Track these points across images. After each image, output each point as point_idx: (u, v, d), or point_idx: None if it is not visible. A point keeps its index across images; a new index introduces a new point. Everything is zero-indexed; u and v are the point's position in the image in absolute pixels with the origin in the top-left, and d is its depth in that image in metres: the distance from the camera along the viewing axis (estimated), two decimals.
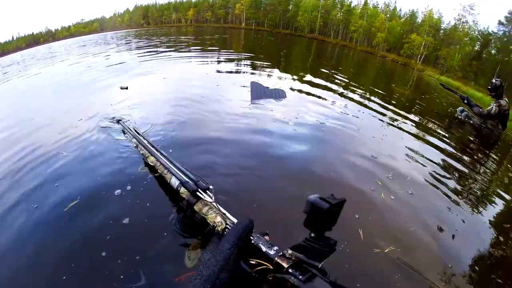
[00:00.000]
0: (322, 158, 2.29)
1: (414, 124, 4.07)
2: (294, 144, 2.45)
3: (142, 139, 1.88)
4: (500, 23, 27.09)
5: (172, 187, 1.38)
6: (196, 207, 1.20)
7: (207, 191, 1.24)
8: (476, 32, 29.08)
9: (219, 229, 1.09)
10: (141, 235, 1.28)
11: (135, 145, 1.96)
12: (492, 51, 27.50)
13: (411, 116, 4.51)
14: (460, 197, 2.14)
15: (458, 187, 2.33)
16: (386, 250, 1.36)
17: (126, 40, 18.52)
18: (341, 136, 2.88)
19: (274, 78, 5.72)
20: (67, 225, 1.32)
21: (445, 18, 34.83)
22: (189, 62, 7.61)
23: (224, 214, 1.13)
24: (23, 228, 1.31)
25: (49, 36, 66.14)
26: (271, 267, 0.85)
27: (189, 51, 9.87)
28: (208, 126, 2.63)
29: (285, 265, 0.83)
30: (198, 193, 1.22)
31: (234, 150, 2.20)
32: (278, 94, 3.84)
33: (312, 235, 0.84)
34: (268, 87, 4.08)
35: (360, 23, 38.27)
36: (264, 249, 0.92)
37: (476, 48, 28.26)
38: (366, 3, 40.18)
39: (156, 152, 1.64)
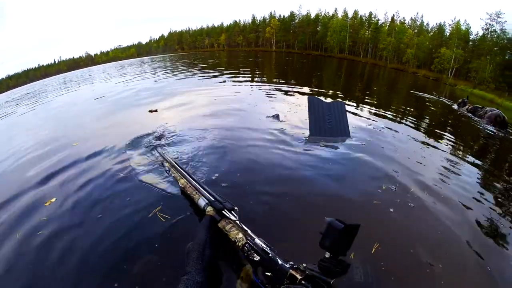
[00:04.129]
0: (356, 180, 2.46)
1: (449, 143, 4.29)
2: (333, 165, 2.70)
3: (174, 163, 2.02)
4: None
5: (199, 207, 1.53)
6: (220, 224, 1.34)
7: (232, 211, 1.39)
8: (505, 41, 28.02)
9: (239, 244, 1.20)
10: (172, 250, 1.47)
11: (167, 168, 2.12)
12: None
13: (447, 135, 4.76)
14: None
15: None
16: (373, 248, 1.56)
17: (161, 64, 19.55)
18: (380, 155, 3.06)
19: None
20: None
21: (473, 28, 32.88)
22: (225, 85, 7.87)
23: (246, 231, 1.25)
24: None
25: (89, 60, 69.59)
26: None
27: (222, 75, 10.60)
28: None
29: (299, 277, 0.92)
30: (223, 211, 1.38)
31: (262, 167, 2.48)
32: (337, 109, 3.76)
33: (327, 256, 0.89)
34: (325, 102, 4.00)
35: (389, 40, 37.72)
36: (279, 261, 1.02)
37: (507, 57, 27.26)
38: (393, 20, 39.84)
39: (187, 175, 1.78)
